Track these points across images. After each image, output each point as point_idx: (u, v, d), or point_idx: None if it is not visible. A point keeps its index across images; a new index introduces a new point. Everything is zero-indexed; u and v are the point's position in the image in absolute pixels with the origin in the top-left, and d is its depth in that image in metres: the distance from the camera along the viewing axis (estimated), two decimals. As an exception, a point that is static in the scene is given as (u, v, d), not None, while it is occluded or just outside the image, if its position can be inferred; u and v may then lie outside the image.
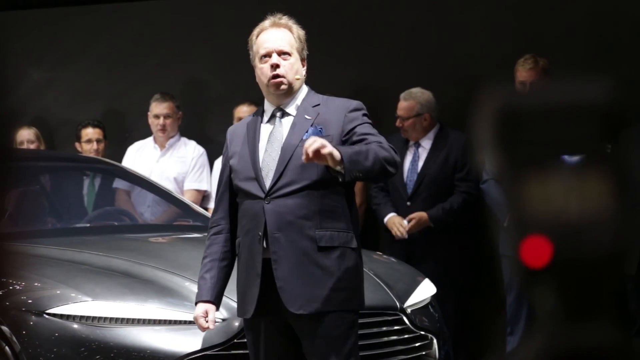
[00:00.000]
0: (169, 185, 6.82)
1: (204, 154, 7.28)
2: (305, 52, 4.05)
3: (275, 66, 3.94)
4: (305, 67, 4.05)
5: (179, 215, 6.28)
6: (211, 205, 7.14)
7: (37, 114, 8.02)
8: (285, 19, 4.04)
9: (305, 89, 4.06)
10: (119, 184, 6.74)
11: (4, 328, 4.52)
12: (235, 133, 4.10)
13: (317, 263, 3.89)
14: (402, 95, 6.69)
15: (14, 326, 4.52)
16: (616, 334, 1.07)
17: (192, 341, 4.46)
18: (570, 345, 1.04)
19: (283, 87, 3.96)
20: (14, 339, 4.50)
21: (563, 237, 1.07)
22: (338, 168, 3.74)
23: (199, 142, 7.33)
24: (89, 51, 8.15)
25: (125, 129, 7.96)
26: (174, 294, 4.63)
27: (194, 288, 4.64)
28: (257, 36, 4.01)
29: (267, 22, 4.03)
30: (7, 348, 4.51)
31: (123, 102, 8.04)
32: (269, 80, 3.95)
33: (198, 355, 4.45)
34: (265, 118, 4.03)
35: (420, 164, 6.63)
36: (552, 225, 1.06)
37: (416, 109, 6.61)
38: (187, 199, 6.50)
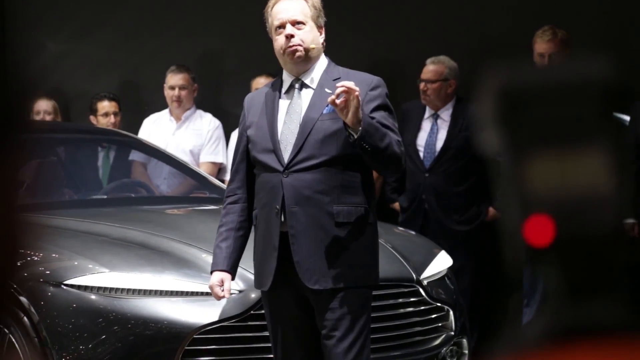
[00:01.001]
0: (185, 157, 6.83)
1: (220, 127, 7.28)
2: (321, 20, 4.03)
3: (289, 36, 3.93)
4: (323, 35, 4.03)
5: (195, 187, 6.29)
6: (227, 177, 7.14)
7: (53, 85, 8.02)
8: None
9: (324, 60, 4.04)
10: (135, 156, 6.75)
11: (23, 299, 4.54)
12: (253, 102, 4.08)
13: (335, 238, 3.89)
14: (429, 60, 6.66)
15: (32, 297, 4.54)
16: (622, 311, 1.07)
17: (209, 312, 4.48)
18: (576, 322, 1.04)
19: (299, 54, 3.94)
20: (32, 309, 4.52)
21: (566, 215, 1.07)
22: (349, 130, 3.75)
23: (215, 115, 7.33)
24: (105, 23, 8.14)
25: (142, 102, 7.97)
26: (190, 265, 4.65)
27: (210, 259, 4.65)
28: (272, 7, 4.01)
29: None
30: (25, 318, 4.53)
31: (139, 74, 8.04)
32: (284, 50, 3.94)
33: (215, 326, 4.46)
34: (284, 89, 4.01)
35: (441, 135, 6.60)
36: (554, 204, 1.06)
37: (445, 73, 6.60)
38: (203, 171, 6.50)
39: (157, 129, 7.25)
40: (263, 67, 7.24)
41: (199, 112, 7.30)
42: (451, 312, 4.98)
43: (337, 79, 3.96)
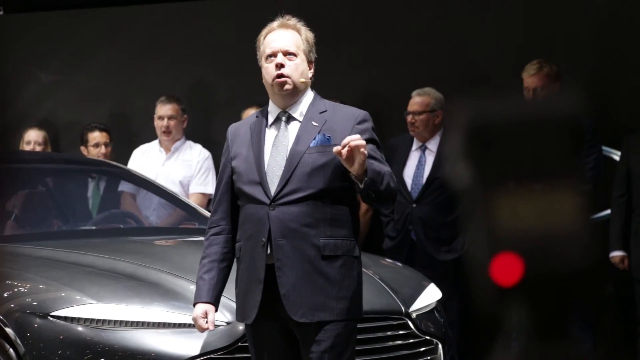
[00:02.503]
0: (174, 188, 6.83)
1: (210, 158, 7.28)
2: (312, 55, 4.04)
3: (279, 65, 3.93)
4: (312, 71, 4.04)
5: (184, 218, 6.28)
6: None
7: (43, 116, 8.03)
8: (294, 21, 4.04)
9: (311, 93, 4.04)
10: (124, 186, 6.74)
11: (9, 330, 4.52)
12: (237, 132, 4.07)
13: (321, 272, 3.89)
14: (415, 92, 6.70)
15: (19, 328, 4.52)
16: (587, 350, 1.07)
17: (196, 344, 4.46)
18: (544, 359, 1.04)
19: (287, 87, 3.94)
20: (19, 341, 4.50)
21: (533, 253, 1.06)
22: (353, 178, 3.77)
23: (205, 146, 7.33)
24: (95, 54, 8.16)
25: (132, 132, 7.97)
26: (178, 297, 4.63)
27: (198, 291, 4.65)
28: (265, 36, 4.01)
29: (275, 23, 4.03)
30: (11, 350, 4.51)
31: (129, 105, 8.05)
32: (273, 80, 3.94)
33: (202, 358, 4.44)
34: (270, 120, 4.01)
35: (428, 167, 6.62)
36: (522, 242, 1.06)
37: (431, 105, 6.62)
38: (192, 202, 6.49)
39: (146, 159, 7.25)
40: (253, 99, 7.25)
41: (189, 142, 7.31)
42: (440, 346, 4.96)
43: (324, 112, 3.97)
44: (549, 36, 6.87)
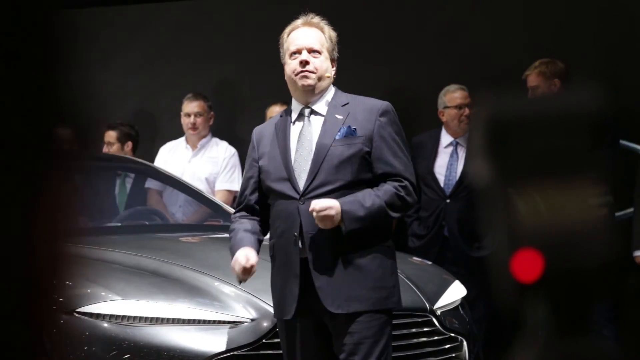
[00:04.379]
0: (200, 185, 6.84)
1: (236, 155, 7.29)
2: (335, 53, 4.06)
3: (304, 62, 3.95)
4: (334, 68, 4.06)
5: (210, 215, 6.29)
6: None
7: (70, 113, 8.06)
8: (317, 19, 4.06)
9: (332, 88, 4.06)
10: (150, 184, 6.77)
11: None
12: (262, 133, 4.10)
13: (354, 262, 3.90)
14: (453, 87, 6.61)
15: (45, 325, 4.54)
16: (609, 346, 1.06)
17: (221, 341, 4.47)
18: (564, 358, 1.03)
19: (310, 81, 3.96)
20: (44, 337, 4.52)
21: (554, 249, 1.06)
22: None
23: (231, 143, 7.34)
24: (121, 51, 8.19)
25: (157, 130, 7.99)
26: (203, 293, 4.64)
27: (223, 288, 4.66)
28: (289, 34, 4.04)
29: (299, 21, 4.06)
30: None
31: (155, 102, 8.07)
32: (295, 75, 3.96)
33: (227, 355, 4.45)
34: (294, 117, 4.03)
35: (461, 162, 6.56)
36: (542, 238, 1.05)
37: (468, 99, 6.59)
38: (218, 199, 6.51)
39: (172, 156, 7.27)
40: (278, 95, 7.25)
41: (215, 139, 7.32)
42: (465, 343, 4.95)
43: (346, 104, 3.99)
44: (568, 33, 6.83)
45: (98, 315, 4.53)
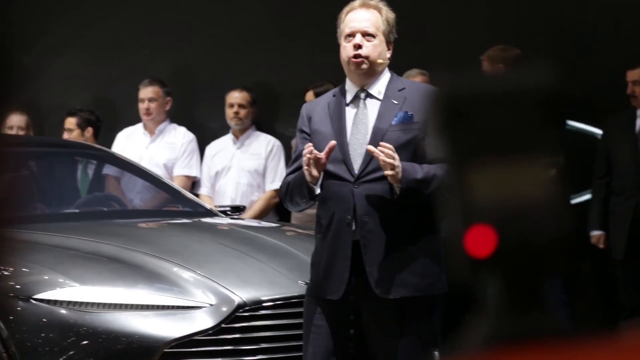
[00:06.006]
0: (158, 171, 6.82)
1: (194, 140, 7.27)
2: (392, 36, 4.02)
3: (357, 46, 3.93)
4: (390, 51, 4.02)
5: (168, 201, 6.27)
6: (201, 191, 7.14)
7: (27, 100, 7.99)
8: (375, 0, 4.02)
9: (387, 73, 4.03)
10: (108, 170, 6.73)
11: (-8, 313, 4.51)
12: (314, 110, 4.04)
13: (405, 248, 3.90)
14: (413, 72, 6.52)
15: (1, 312, 4.51)
16: (562, 320, 1.07)
17: (180, 326, 4.46)
18: (516, 331, 1.04)
19: (364, 66, 3.94)
20: (1, 325, 4.49)
21: (506, 225, 1.06)
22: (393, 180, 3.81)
23: (189, 128, 7.32)
24: (80, 38, 8.13)
25: (116, 116, 7.95)
26: (162, 279, 4.63)
27: (182, 274, 4.65)
28: (346, 14, 4.01)
29: (357, 2, 4.02)
30: (-6, 333, 4.50)
31: (114, 89, 8.03)
32: (349, 59, 3.94)
33: (186, 340, 4.44)
34: (349, 98, 3.99)
35: None
36: (495, 214, 1.06)
37: None
38: (176, 185, 6.49)
39: (130, 142, 7.24)
40: (236, 81, 7.24)
41: (173, 125, 7.30)
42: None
43: (402, 89, 3.98)
44: (526, 15, 6.86)
45: (55, 302, 4.51)
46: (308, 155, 3.81)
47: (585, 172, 6.17)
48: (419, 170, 3.85)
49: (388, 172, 3.78)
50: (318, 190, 3.91)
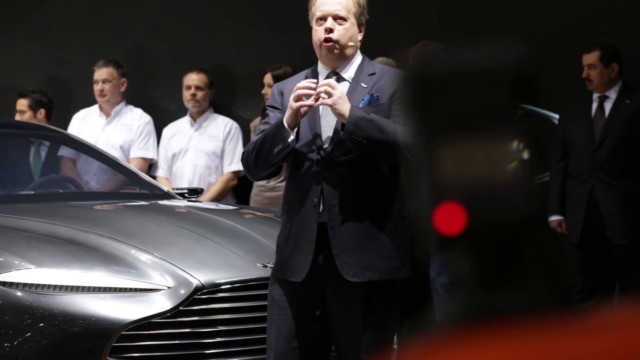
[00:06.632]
0: (114, 153, 6.78)
1: (151, 122, 7.23)
2: (363, 18, 4.01)
3: (328, 30, 3.92)
4: (362, 33, 4.02)
5: (125, 183, 6.23)
6: (158, 173, 7.11)
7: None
8: None
9: (360, 56, 4.03)
10: (64, 151, 6.68)
11: (-54, 296, 4.46)
12: (285, 88, 4.02)
13: (372, 231, 3.89)
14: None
15: (-44, 294, 4.46)
16: (532, 296, 1.07)
17: (137, 309, 4.44)
18: (486, 309, 1.05)
19: (335, 51, 3.93)
20: (-44, 307, 4.44)
21: (476, 202, 1.06)
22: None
23: (146, 110, 7.27)
24: (33, 18, 8.03)
25: (71, 97, 7.88)
26: (119, 261, 4.60)
27: (140, 256, 4.62)
28: None
29: None
30: (-52, 316, 4.45)
31: (68, 69, 7.95)
32: (321, 43, 3.93)
33: (143, 322, 4.42)
34: (320, 80, 3.97)
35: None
36: (465, 191, 1.06)
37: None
38: (133, 167, 6.45)
39: (86, 124, 7.19)
40: (194, 63, 7.20)
41: (130, 107, 7.25)
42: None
43: (373, 74, 3.97)
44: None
45: (11, 284, 4.46)
46: (302, 90, 3.81)
47: (543, 156, 6.21)
48: (373, 115, 3.84)
49: (326, 102, 3.77)
50: (293, 136, 3.88)
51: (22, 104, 7.29)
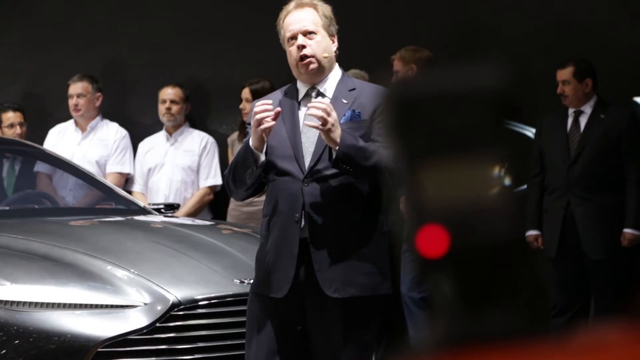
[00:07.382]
0: (90, 168, 6.75)
1: (127, 136, 7.21)
2: (333, 28, 4.03)
3: (301, 47, 3.93)
4: (335, 43, 4.03)
5: (101, 198, 6.21)
6: (134, 188, 7.08)
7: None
8: None
9: (338, 70, 4.04)
10: (40, 167, 6.65)
11: None
12: None
13: (352, 247, 3.89)
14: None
15: None
16: (515, 321, 1.07)
17: (113, 325, 4.41)
18: (469, 332, 1.04)
19: (313, 66, 3.94)
20: None
21: (459, 225, 1.06)
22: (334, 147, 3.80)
23: (122, 125, 7.25)
24: (8, 32, 8.00)
25: (46, 112, 7.84)
26: (95, 277, 4.58)
27: (116, 272, 4.60)
28: (283, 19, 4.01)
29: (291, 4, 4.03)
30: None
31: (43, 84, 7.92)
32: (297, 62, 3.94)
33: (120, 339, 4.40)
34: (300, 96, 4.00)
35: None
36: (448, 214, 1.05)
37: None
38: (109, 182, 6.43)
39: (62, 139, 7.16)
40: (170, 77, 7.19)
41: (105, 121, 7.23)
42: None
43: (353, 90, 3.98)
44: (452, 15, 6.90)
45: (-14, 301, 4.43)
46: (261, 114, 3.79)
47: (521, 171, 6.21)
48: (361, 141, 3.85)
49: (322, 127, 3.77)
50: (263, 157, 3.88)
51: (19, 116, 7.28)
